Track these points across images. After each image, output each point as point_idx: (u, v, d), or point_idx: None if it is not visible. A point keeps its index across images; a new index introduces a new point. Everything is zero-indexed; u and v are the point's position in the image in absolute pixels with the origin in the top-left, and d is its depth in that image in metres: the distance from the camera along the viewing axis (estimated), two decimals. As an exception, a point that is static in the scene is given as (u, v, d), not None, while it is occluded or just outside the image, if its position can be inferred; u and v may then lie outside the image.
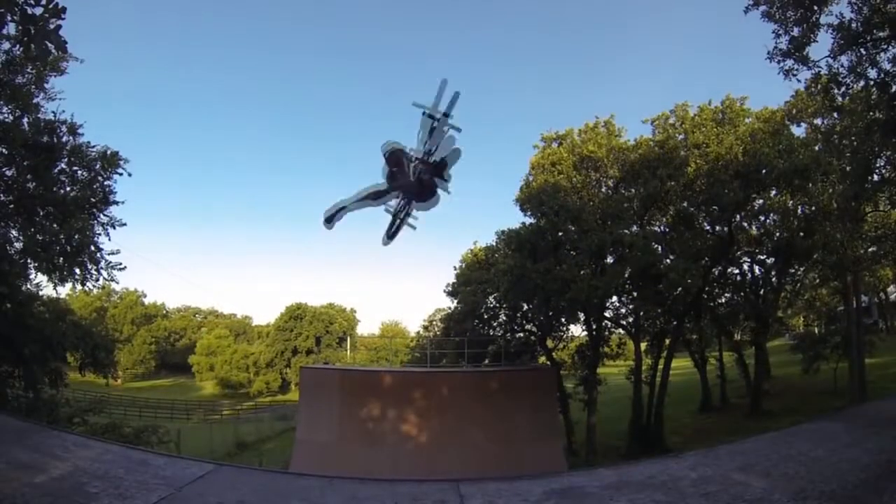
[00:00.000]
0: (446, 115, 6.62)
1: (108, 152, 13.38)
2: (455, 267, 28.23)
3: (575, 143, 22.54)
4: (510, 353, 23.42)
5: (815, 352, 24.40)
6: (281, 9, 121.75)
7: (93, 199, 13.29)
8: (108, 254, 13.62)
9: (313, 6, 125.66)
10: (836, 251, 18.99)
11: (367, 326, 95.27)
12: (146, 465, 5.27)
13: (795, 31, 9.83)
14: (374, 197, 6.82)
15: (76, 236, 12.61)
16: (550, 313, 20.79)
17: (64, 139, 12.87)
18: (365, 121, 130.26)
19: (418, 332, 44.25)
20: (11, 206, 12.81)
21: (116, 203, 13.70)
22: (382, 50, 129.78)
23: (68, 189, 13.15)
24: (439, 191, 6.77)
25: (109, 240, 13.78)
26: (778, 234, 21.21)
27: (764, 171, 17.87)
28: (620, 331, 26.06)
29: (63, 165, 13.05)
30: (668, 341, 23.81)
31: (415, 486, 5.37)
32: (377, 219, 7.16)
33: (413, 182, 6.61)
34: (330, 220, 6.91)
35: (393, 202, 6.97)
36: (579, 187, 21.34)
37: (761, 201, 21.13)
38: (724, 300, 26.03)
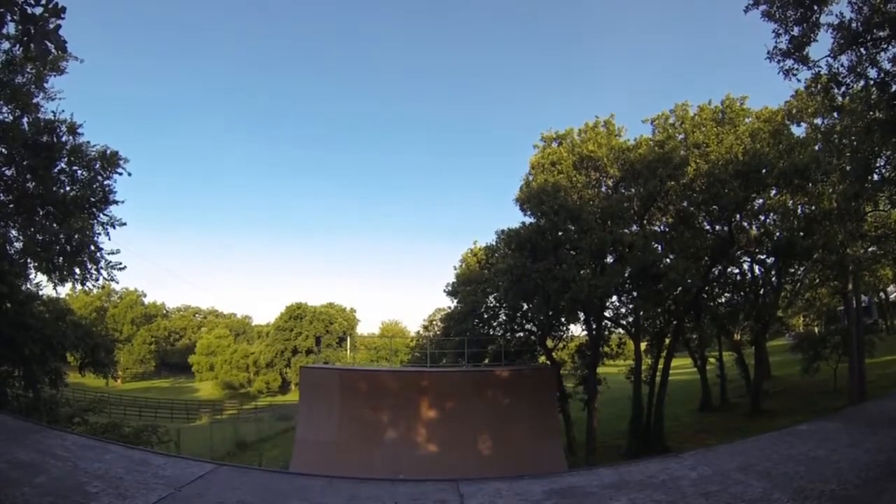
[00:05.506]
0: None
1: (108, 152, 13.39)
2: (455, 267, 28.31)
3: (575, 142, 22.50)
4: (510, 353, 23.40)
5: (815, 352, 24.38)
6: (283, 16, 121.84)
7: (92, 199, 13.29)
8: (108, 253, 13.67)
9: (310, 12, 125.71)
10: (836, 251, 18.96)
11: (367, 326, 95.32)
12: (146, 465, 5.26)
13: (795, 31, 9.79)
14: None
15: (76, 236, 12.61)
16: (550, 313, 20.71)
17: (64, 139, 12.86)
18: (364, 125, 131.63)
19: (418, 332, 44.17)
20: (11, 206, 12.80)
21: (116, 203, 13.75)
22: (382, 60, 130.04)
23: (68, 189, 13.16)
24: None
25: (109, 239, 13.85)
26: (778, 234, 21.16)
27: (764, 170, 17.86)
28: (620, 330, 26.04)
29: (63, 165, 13.06)
30: (667, 341, 23.80)
31: (415, 486, 5.36)
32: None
33: None
34: None
35: None
36: (579, 187, 21.28)
37: (761, 201, 21.12)
38: (724, 300, 26.00)
